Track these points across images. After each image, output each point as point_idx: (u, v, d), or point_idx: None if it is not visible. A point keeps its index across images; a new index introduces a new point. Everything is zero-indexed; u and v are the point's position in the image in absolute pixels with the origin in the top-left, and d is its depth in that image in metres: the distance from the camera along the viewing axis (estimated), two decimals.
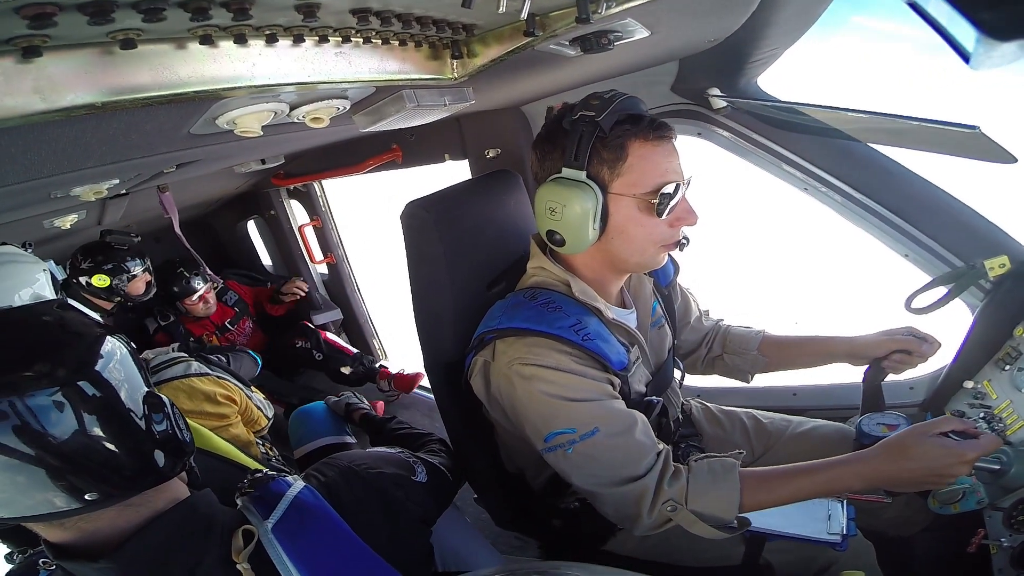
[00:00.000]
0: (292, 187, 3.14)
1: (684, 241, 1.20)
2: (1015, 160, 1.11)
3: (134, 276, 2.70)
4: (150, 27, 0.48)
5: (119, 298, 2.71)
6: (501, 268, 1.44)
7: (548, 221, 1.13)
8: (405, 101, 0.98)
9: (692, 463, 1.14)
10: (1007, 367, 1.39)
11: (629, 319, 1.30)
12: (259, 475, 1.00)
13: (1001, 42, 0.30)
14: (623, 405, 1.16)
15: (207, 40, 0.56)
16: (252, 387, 2.27)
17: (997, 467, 1.21)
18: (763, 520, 1.21)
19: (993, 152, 1.11)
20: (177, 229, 1.93)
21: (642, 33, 0.95)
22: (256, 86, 0.68)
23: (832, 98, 1.35)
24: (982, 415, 1.38)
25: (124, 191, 1.31)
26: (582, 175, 1.09)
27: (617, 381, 1.18)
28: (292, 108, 0.85)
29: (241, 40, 0.59)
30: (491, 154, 1.99)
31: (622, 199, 1.11)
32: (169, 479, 0.85)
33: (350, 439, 2.04)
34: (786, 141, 1.61)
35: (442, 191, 1.50)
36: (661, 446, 1.15)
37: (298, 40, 0.66)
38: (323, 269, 3.49)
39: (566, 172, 1.11)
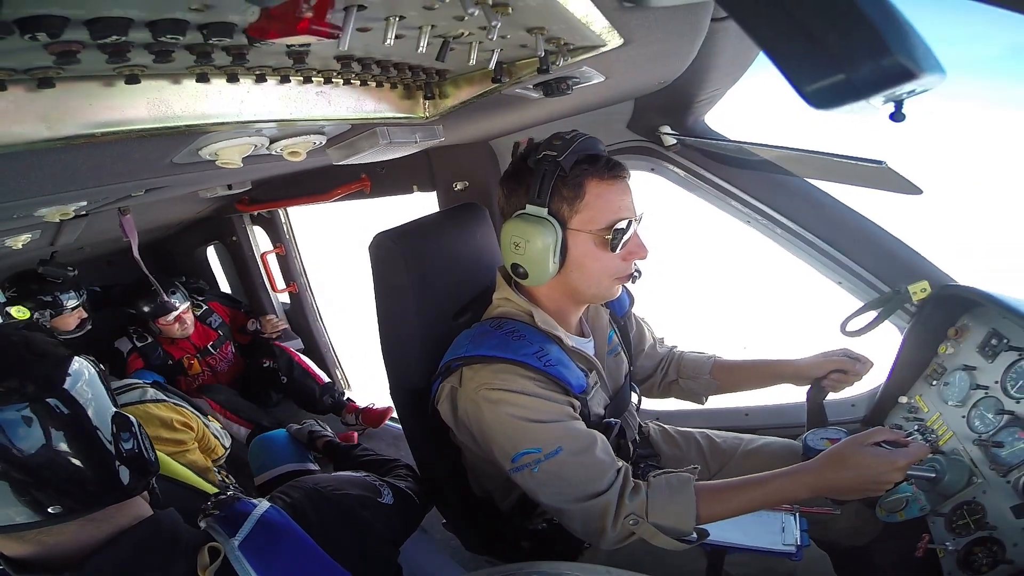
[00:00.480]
0: (256, 213, 3.08)
1: (636, 274, 1.28)
2: (920, 192, 1.22)
3: (64, 311, 2.50)
4: (155, 65, 0.52)
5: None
6: (467, 299, 1.49)
7: (513, 255, 1.20)
8: (379, 138, 1.03)
9: (651, 478, 1.20)
10: (934, 383, 1.52)
11: (587, 347, 1.37)
12: (223, 496, 1.00)
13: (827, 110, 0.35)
14: (583, 426, 1.21)
15: (203, 78, 0.60)
16: (209, 416, 2.22)
17: (932, 475, 1.30)
18: (722, 534, 1.26)
19: (899, 184, 1.22)
20: (136, 253, 1.88)
21: (598, 78, 1.04)
22: (242, 122, 0.72)
23: (777, 130, 1.46)
24: (916, 427, 1.49)
25: (85, 212, 1.29)
26: (544, 212, 1.17)
27: (577, 404, 1.24)
28: (272, 141, 0.89)
29: (233, 79, 0.63)
30: (459, 186, 2.04)
31: (579, 235, 1.19)
32: (133, 496, 0.86)
33: (313, 466, 2.01)
34: (730, 176, 1.74)
35: (410, 223, 1.54)
36: (621, 463, 1.21)
37: (284, 80, 0.71)
38: (284, 298, 3.42)
39: (530, 208, 1.18)
